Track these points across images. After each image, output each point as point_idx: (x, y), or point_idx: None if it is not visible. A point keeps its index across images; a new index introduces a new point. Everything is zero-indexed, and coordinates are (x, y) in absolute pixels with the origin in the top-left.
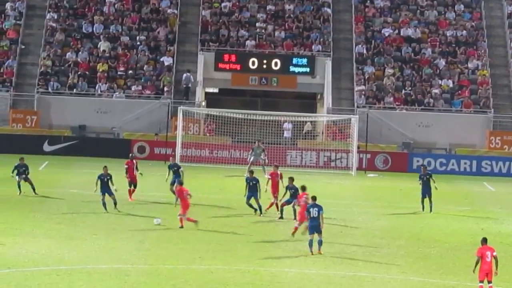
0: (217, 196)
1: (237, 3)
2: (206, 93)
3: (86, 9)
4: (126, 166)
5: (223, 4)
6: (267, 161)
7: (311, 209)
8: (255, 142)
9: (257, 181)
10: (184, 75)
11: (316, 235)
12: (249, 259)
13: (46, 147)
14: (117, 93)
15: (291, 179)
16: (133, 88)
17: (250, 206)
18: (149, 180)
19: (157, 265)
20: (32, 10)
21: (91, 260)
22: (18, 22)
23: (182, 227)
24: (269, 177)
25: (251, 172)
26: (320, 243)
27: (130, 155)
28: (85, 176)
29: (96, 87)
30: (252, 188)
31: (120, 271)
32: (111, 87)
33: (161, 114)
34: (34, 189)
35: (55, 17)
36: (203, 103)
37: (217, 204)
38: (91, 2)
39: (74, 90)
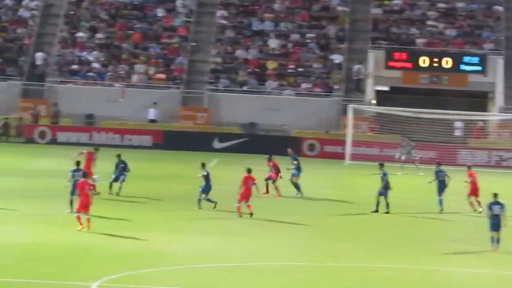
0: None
1: (408, 1)
2: (377, 91)
3: (256, 7)
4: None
5: (393, 2)
6: (418, 157)
7: (493, 207)
8: (403, 140)
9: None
10: (356, 66)
11: (495, 233)
12: (418, 257)
13: (216, 144)
14: (287, 90)
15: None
16: (302, 85)
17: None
18: (318, 178)
19: (327, 263)
20: (203, 7)
21: (259, 256)
22: (188, 19)
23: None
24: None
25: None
26: (498, 240)
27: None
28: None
29: (266, 84)
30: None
31: (287, 268)
32: (280, 84)
33: (330, 111)
34: None
35: (225, 14)
36: (373, 101)
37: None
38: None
39: (244, 87)
